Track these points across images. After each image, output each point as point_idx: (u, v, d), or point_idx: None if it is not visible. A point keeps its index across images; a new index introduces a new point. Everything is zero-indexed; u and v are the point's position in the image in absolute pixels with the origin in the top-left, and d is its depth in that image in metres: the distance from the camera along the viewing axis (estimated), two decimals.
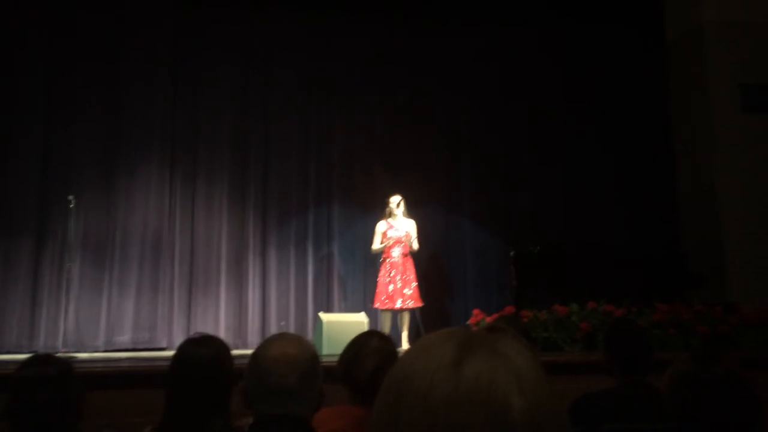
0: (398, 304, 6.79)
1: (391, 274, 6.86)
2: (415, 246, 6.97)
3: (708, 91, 8.02)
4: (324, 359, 1.91)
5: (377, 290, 6.96)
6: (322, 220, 8.09)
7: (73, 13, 7.68)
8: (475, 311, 6.94)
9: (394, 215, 6.99)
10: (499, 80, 8.54)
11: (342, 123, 8.26)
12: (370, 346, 2.21)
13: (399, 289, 6.78)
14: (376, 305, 6.94)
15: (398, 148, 8.28)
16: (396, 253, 6.90)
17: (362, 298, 7.69)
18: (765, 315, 6.35)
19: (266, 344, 1.80)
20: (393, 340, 2.40)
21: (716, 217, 7.82)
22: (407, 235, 6.90)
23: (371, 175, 8.13)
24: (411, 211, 7.11)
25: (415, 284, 6.91)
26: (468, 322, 6.96)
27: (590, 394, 2.54)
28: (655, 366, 2.50)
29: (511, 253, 7.11)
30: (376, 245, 7.02)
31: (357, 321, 6.35)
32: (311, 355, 1.78)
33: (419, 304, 6.91)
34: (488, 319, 6.34)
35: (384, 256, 6.97)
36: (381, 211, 7.15)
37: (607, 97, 8.57)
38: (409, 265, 6.91)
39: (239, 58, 8.14)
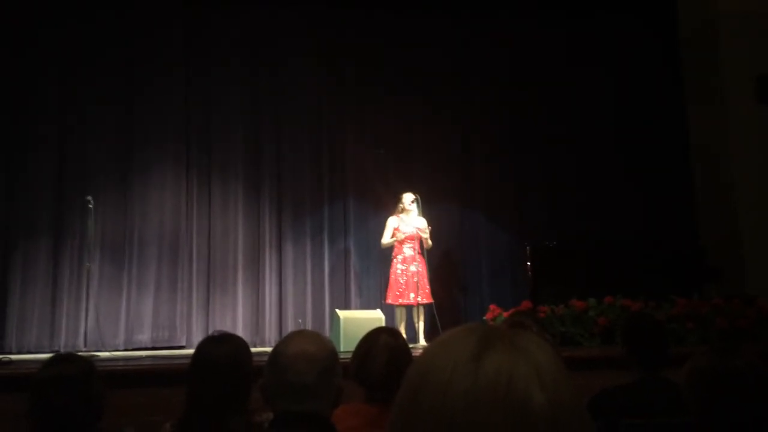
0: (410, 299, 6.79)
1: (403, 270, 6.86)
2: (428, 242, 6.95)
3: (723, 83, 7.93)
4: (342, 356, 1.92)
5: (389, 286, 6.96)
6: (338, 216, 8.11)
7: (85, 15, 7.72)
8: (492, 306, 6.93)
9: (407, 211, 6.98)
10: (512, 75, 8.50)
11: (355, 118, 8.25)
12: (380, 343, 2.22)
13: (411, 285, 6.78)
14: (389, 300, 6.95)
15: (412, 144, 8.28)
16: (408, 249, 6.90)
17: (378, 294, 7.70)
18: None
19: (285, 341, 1.81)
20: (403, 336, 2.42)
21: (733, 210, 7.75)
22: (418, 231, 6.89)
23: (385, 170, 8.12)
24: (425, 207, 7.09)
25: (426, 280, 6.91)
26: (484, 318, 6.96)
27: (608, 389, 2.53)
28: (674, 360, 2.49)
29: (527, 248, 7.09)
30: (386, 239, 7.02)
31: (374, 317, 6.35)
32: (330, 352, 1.79)
33: (430, 300, 6.90)
34: (505, 314, 6.33)
35: (395, 252, 6.97)
36: (395, 206, 7.15)
37: (621, 91, 8.50)
38: (421, 261, 6.91)
39: (250, 55, 8.15)
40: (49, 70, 7.63)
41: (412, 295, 6.78)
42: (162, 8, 7.92)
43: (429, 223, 7.02)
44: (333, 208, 8.11)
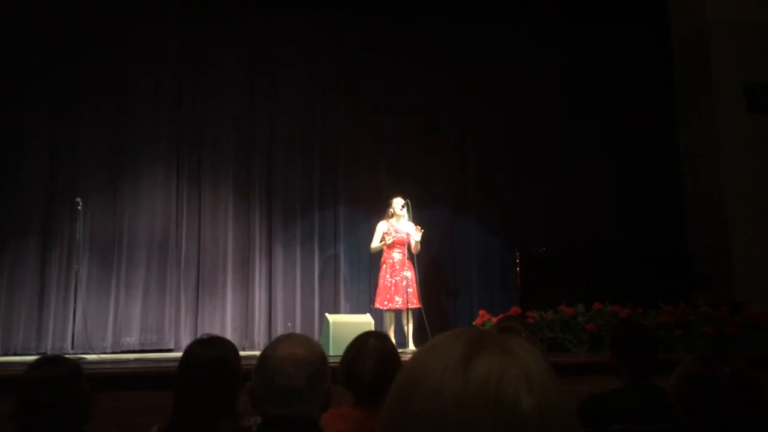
0: (399, 304, 6.78)
1: (392, 275, 6.86)
2: (417, 246, 6.91)
3: (713, 92, 7.99)
4: (331, 360, 1.92)
5: (378, 290, 6.96)
6: (328, 221, 8.10)
7: (79, 15, 7.70)
8: (481, 312, 6.94)
9: (397, 216, 6.98)
10: (504, 81, 8.52)
11: (347, 123, 8.25)
12: (368, 347, 2.22)
13: (400, 289, 6.77)
14: (377, 305, 6.94)
15: (403, 149, 8.28)
16: (397, 254, 6.90)
17: (368, 298, 7.70)
18: None
19: (274, 344, 1.81)
20: (392, 340, 2.41)
21: (722, 217, 7.79)
22: (408, 236, 6.88)
23: (376, 176, 8.13)
24: (416, 212, 7.09)
25: (415, 285, 6.90)
26: (474, 323, 6.96)
27: (597, 395, 2.53)
28: (661, 367, 2.50)
29: (517, 254, 7.10)
30: (375, 244, 7.02)
31: (363, 321, 6.34)
32: (319, 356, 1.78)
33: (419, 305, 6.89)
34: (494, 320, 6.33)
35: (385, 257, 6.96)
36: (385, 211, 7.14)
37: (612, 98, 8.53)
38: (410, 265, 6.90)
39: (244, 59, 8.15)
40: (41, 71, 7.59)
41: (401, 299, 6.77)
42: (156, 10, 7.90)
43: (419, 229, 6.99)
44: (324, 212, 8.10)
